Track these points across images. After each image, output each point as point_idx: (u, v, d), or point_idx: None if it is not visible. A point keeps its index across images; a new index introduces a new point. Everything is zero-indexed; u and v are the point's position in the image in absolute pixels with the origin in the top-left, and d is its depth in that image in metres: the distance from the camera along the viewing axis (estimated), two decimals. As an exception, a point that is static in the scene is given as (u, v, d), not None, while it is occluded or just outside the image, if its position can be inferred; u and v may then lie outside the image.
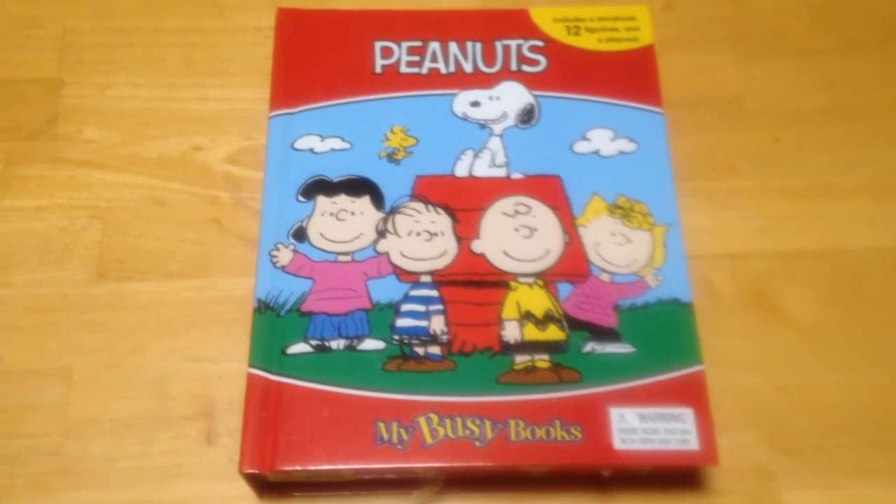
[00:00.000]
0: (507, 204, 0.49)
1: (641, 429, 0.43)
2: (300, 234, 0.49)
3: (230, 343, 0.49)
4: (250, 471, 0.43)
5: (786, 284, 0.51)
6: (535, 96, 0.53)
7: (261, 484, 0.45)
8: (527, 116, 0.52)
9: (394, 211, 0.49)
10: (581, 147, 0.51)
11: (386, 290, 0.47)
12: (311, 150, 0.51)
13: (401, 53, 0.54)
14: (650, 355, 0.45)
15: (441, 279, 0.47)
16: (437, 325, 0.46)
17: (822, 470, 0.46)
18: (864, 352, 0.49)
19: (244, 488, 0.45)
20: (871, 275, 0.51)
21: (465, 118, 0.52)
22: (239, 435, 0.45)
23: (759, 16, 0.60)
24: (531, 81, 0.53)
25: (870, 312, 0.50)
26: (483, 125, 0.52)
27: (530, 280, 0.47)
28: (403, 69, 0.53)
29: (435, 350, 0.46)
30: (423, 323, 0.46)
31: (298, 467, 0.43)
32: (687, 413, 0.44)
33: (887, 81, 0.57)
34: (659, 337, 0.46)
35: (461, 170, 0.50)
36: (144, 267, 0.52)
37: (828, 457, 0.47)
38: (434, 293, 0.47)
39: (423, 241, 0.48)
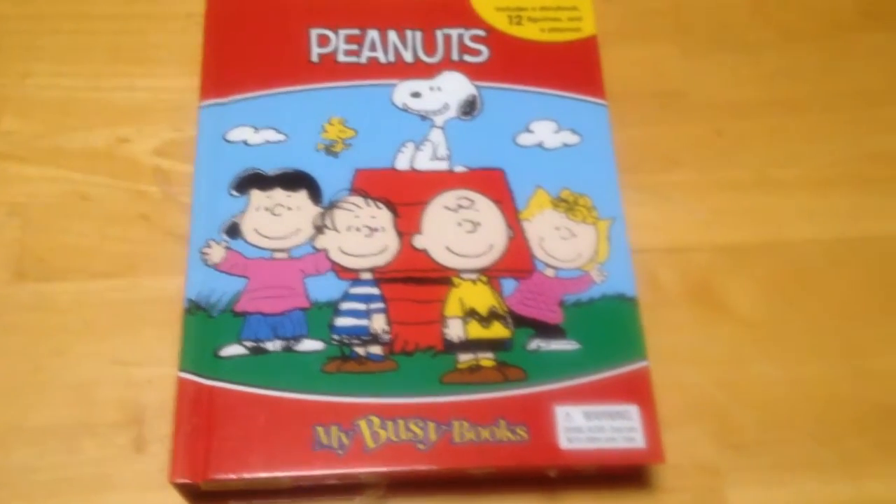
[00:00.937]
0: (449, 198, 0.48)
1: (587, 427, 0.42)
2: (233, 231, 0.47)
3: (159, 345, 0.47)
4: (181, 480, 0.41)
5: (729, 278, 0.51)
6: (478, 87, 0.51)
7: (193, 494, 0.43)
8: (469, 108, 0.51)
9: (332, 205, 0.47)
10: (524, 139, 0.50)
11: (324, 288, 0.45)
12: (245, 142, 0.49)
13: (338, 41, 0.52)
14: (595, 352, 0.44)
15: (382, 276, 0.46)
16: (379, 324, 0.45)
17: (766, 465, 0.46)
18: (807, 345, 0.49)
19: (176, 498, 0.43)
20: (814, 268, 0.51)
21: (405, 109, 0.50)
22: (170, 442, 0.42)
23: (701, 7, 0.60)
24: (473, 72, 0.52)
25: (812, 306, 0.50)
26: (424, 117, 0.50)
27: (474, 276, 0.46)
28: (341, 58, 0.51)
29: (376, 350, 0.44)
30: (363, 322, 0.45)
31: (233, 476, 0.41)
32: (632, 410, 0.43)
33: (828, 74, 0.57)
34: (604, 333, 0.45)
35: (402, 163, 0.49)
36: (67, 266, 0.49)
37: (772, 452, 0.46)
38: (375, 291, 0.45)
39: (363, 236, 0.47)
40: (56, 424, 0.45)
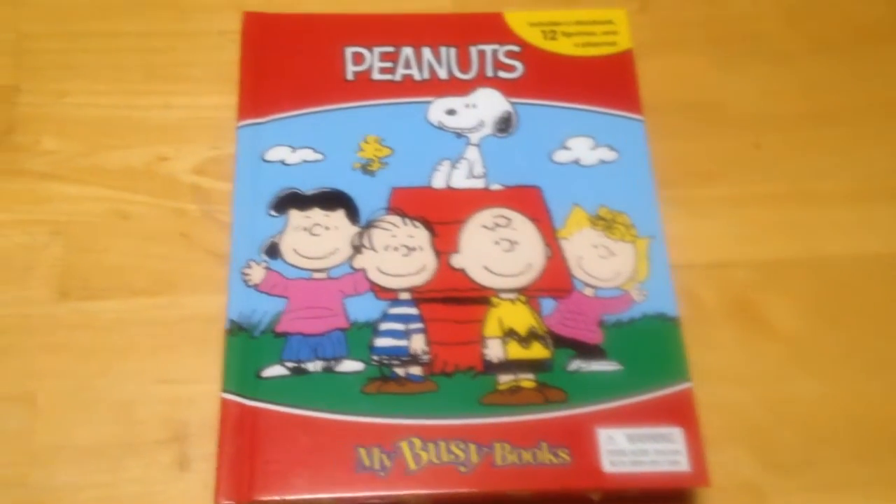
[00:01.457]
0: (486, 216, 0.48)
1: (630, 450, 0.42)
2: (273, 251, 0.47)
3: (201, 363, 0.47)
4: (227, 502, 0.41)
5: (769, 294, 0.50)
6: (513, 103, 0.51)
7: (237, 514, 0.43)
8: (504, 125, 0.51)
9: (369, 225, 0.48)
10: (561, 156, 0.50)
11: (363, 308, 0.46)
12: (282, 162, 0.49)
13: (373, 59, 0.52)
14: (637, 373, 0.44)
15: (420, 296, 0.46)
16: (418, 344, 0.45)
17: (810, 486, 0.46)
18: (848, 361, 0.49)
19: (220, 519, 0.43)
20: (853, 283, 0.51)
21: (440, 127, 0.50)
22: (213, 460, 0.43)
23: (735, 18, 0.59)
24: (508, 88, 0.52)
25: (853, 321, 0.50)
26: (459, 134, 0.50)
27: (512, 296, 0.46)
28: (376, 76, 0.52)
29: (416, 370, 0.44)
30: (402, 342, 0.45)
31: (277, 497, 0.41)
32: (676, 433, 0.43)
33: (865, 84, 0.57)
34: (645, 353, 0.45)
35: (438, 181, 0.49)
36: (109, 284, 0.49)
37: (815, 471, 0.46)
38: (413, 311, 0.46)
39: (401, 256, 0.47)
40: (100, 443, 0.46)
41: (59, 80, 0.55)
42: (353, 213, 0.48)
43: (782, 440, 0.47)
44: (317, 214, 0.48)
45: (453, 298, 0.46)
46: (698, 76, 0.57)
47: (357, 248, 0.47)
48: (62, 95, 0.54)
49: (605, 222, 0.48)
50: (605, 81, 0.52)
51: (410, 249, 0.47)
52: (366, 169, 0.49)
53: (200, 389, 0.47)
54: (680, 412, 0.43)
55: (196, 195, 0.52)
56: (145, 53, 0.56)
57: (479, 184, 0.49)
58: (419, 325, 0.45)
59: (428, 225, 0.48)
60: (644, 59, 0.54)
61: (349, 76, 0.51)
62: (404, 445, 0.42)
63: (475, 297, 0.46)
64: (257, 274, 0.46)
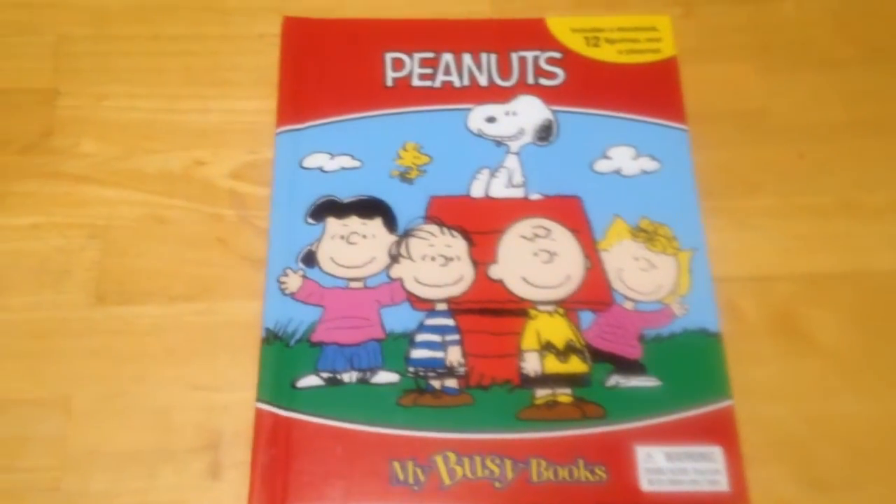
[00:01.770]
0: (525, 227, 0.47)
1: (669, 469, 0.41)
2: (309, 259, 0.47)
3: (236, 370, 0.47)
4: (260, 512, 0.41)
5: (813, 308, 0.49)
6: (553, 111, 0.51)
7: (271, 524, 0.43)
8: (545, 133, 0.50)
9: (407, 234, 0.47)
10: (602, 166, 0.49)
11: (400, 318, 0.45)
12: (321, 169, 0.49)
13: (413, 65, 0.52)
14: (677, 389, 0.43)
15: (457, 307, 0.45)
16: (454, 356, 0.44)
17: (854, 508, 0.44)
18: (893, 378, 0.48)
19: (253, 528, 0.43)
20: (900, 298, 0.50)
21: (480, 135, 0.50)
22: (246, 468, 0.43)
23: (782, 24, 0.58)
24: (549, 95, 0.51)
25: (899, 337, 0.49)
26: (499, 142, 0.50)
27: (550, 308, 0.45)
28: (416, 82, 0.51)
29: (452, 383, 0.44)
30: (439, 354, 0.44)
31: (310, 509, 0.41)
32: (716, 452, 0.42)
33: (915, 93, 0.55)
34: (686, 370, 0.44)
35: (477, 190, 0.48)
36: (145, 289, 0.49)
37: (858, 491, 0.45)
38: (450, 322, 0.45)
39: (439, 266, 0.46)
40: (135, 450, 0.46)
41: (99, 84, 0.55)
42: (390, 221, 0.47)
43: (824, 458, 0.46)
44: (354, 223, 0.47)
45: (491, 310, 0.45)
46: (742, 83, 0.56)
47: (394, 258, 0.47)
48: (101, 99, 0.55)
49: (646, 234, 0.47)
50: (649, 89, 0.51)
51: (448, 259, 0.46)
52: (404, 177, 0.48)
53: (235, 397, 0.46)
54: (720, 431, 0.42)
55: (233, 200, 0.52)
56: (185, 57, 0.56)
57: (518, 193, 0.48)
58: (456, 337, 0.45)
59: (466, 235, 0.47)
60: (687, 65, 0.54)
61: (389, 82, 0.51)
62: (439, 459, 0.42)
63: (513, 309, 0.45)
64: (294, 282, 0.46)
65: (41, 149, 0.53)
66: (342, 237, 0.47)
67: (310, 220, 0.47)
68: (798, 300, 0.50)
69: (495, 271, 0.46)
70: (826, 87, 0.56)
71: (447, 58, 0.52)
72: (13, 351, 0.48)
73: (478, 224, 0.47)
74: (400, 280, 0.46)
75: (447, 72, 0.51)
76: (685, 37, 0.55)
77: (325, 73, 0.51)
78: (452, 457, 0.42)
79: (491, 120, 0.50)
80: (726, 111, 0.55)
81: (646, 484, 0.41)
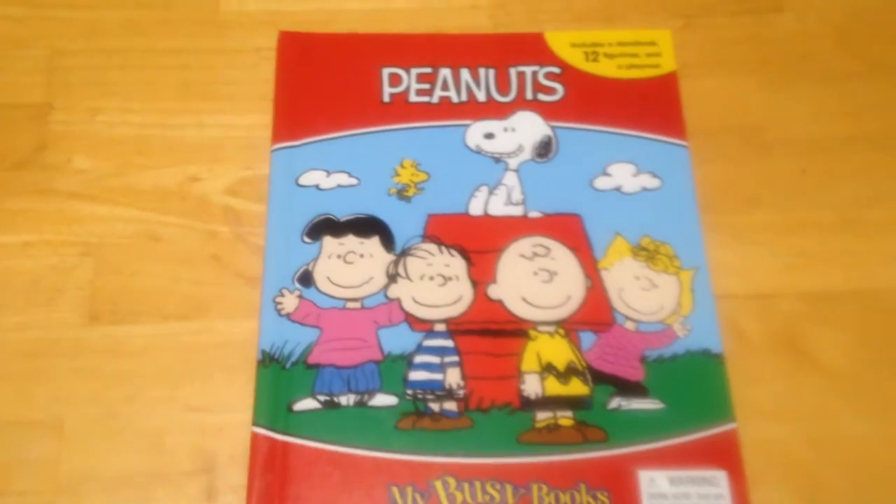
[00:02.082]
0: (524, 245, 0.47)
1: (672, 493, 0.41)
2: (306, 278, 0.46)
3: (231, 391, 0.46)
4: (256, 539, 0.40)
5: (815, 327, 0.49)
6: (553, 127, 0.50)
7: (266, 551, 0.42)
8: (544, 150, 0.49)
9: (405, 253, 0.46)
10: (602, 183, 0.48)
11: (398, 339, 0.45)
12: (317, 187, 0.48)
13: (410, 81, 0.51)
14: (680, 412, 0.43)
15: (456, 328, 0.45)
16: (453, 378, 0.44)
17: (859, 532, 0.44)
18: (899, 399, 0.47)
19: (248, 555, 0.43)
20: (904, 317, 0.49)
21: (478, 151, 0.49)
22: (242, 492, 0.42)
23: (782, 37, 0.57)
24: (548, 111, 0.50)
25: (904, 357, 0.48)
26: (498, 159, 0.49)
27: (551, 329, 0.45)
28: (413, 98, 0.50)
29: (451, 406, 0.43)
30: (437, 376, 0.44)
31: (307, 536, 0.40)
32: (720, 476, 0.41)
33: (918, 108, 0.55)
34: (689, 392, 0.43)
35: (476, 208, 0.48)
36: (139, 308, 0.49)
37: (864, 515, 0.44)
38: (449, 343, 0.44)
39: (437, 285, 0.46)
40: (129, 472, 0.45)
41: (92, 98, 0.54)
42: (388, 240, 0.47)
43: (828, 482, 0.45)
44: (351, 241, 0.47)
45: (490, 331, 0.45)
46: (743, 97, 0.55)
47: (392, 277, 0.46)
48: (95, 113, 0.54)
49: (647, 253, 0.46)
50: (649, 105, 0.50)
51: (446, 279, 0.46)
52: (401, 194, 0.48)
53: (230, 418, 0.46)
54: (724, 455, 0.42)
55: (228, 217, 0.51)
56: (180, 71, 0.55)
57: (517, 211, 0.48)
58: (455, 359, 0.44)
59: (464, 254, 0.46)
60: (687, 79, 0.53)
61: (386, 98, 0.50)
62: (438, 485, 0.41)
63: (513, 330, 0.45)
64: (290, 303, 0.45)
65: (34, 165, 0.52)
66: (339, 256, 0.46)
67: (306, 239, 0.47)
68: (799, 318, 0.49)
69: (494, 291, 0.46)
70: (828, 101, 0.55)
71: (445, 73, 0.51)
72: (4, 371, 0.47)
73: (476, 243, 0.47)
74: (398, 300, 0.45)
75: (445, 87, 0.51)
76: (685, 50, 0.54)
77: (321, 88, 0.50)
78: (452, 482, 0.41)
79: (489, 136, 0.50)
80: (726, 125, 0.54)
81: (649, 509, 0.41)
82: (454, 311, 0.45)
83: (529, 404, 0.43)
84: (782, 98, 0.55)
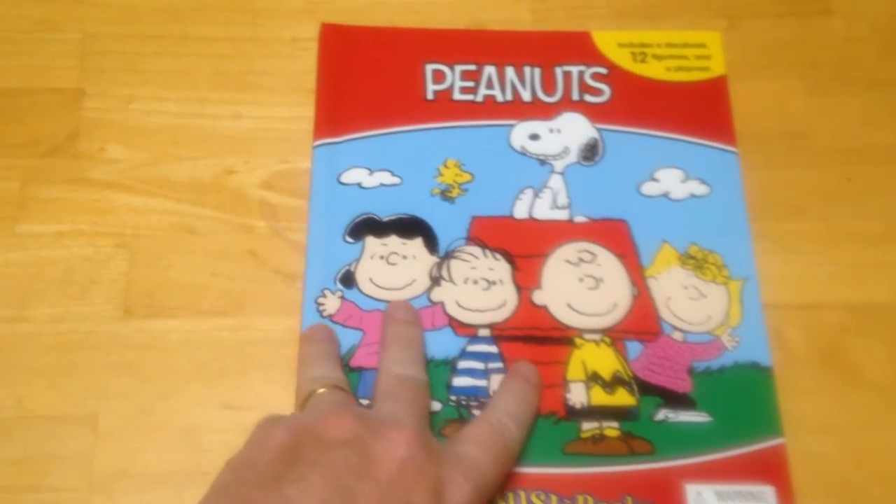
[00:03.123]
0: (570, 251, 0.46)
1: (720, 509, 0.40)
2: (348, 279, 0.45)
3: (268, 389, 0.46)
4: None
5: (860, 339, 0.48)
6: (599, 130, 0.49)
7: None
8: (590, 153, 0.48)
9: (448, 255, 0.46)
10: (649, 188, 0.48)
11: (441, 344, 0.44)
12: (359, 185, 0.47)
13: (454, 78, 0.50)
14: (728, 426, 0.42)
15: (500, 333, 0.44)
16: (497, 384, 0.43)
17: (906, 550, 0.43)
18: (944, 415, 0.46)
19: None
20: (952, 331, 0.48)
21: (523, 153, 0.48)
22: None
23: (830, 41, 0.56)
24: (594, 113, 0.49)
25: (950, 372, 0.47)
26: (543, 161, 0.48)
27: (596, 337, 0.44)
28: (457, 95, 0.49)
29: (495, 414, 0.42)
30: (481, 382, 0.43)
31: (349, 542, 0.40)
32: (768, 491, 0.41)
33: (966, 117, 0.54)
34: (737, 405, 0.43)
35: (520, 211, 0.47)
36: (175, 303, 0.48)
37: (908, 532, 0.44)
38: (493, 349, 0.44)
39: (481, 290, 0.45)
40: (164, 471, 0.44)
41: (126, 85, 0.53)
42: (431, 241, 0.46)
43: (874, 497, 0.45)
44: (394, 242, 0.46)
45: (535, 337, 0.44)
46: (789, 102, 0.54)
47: (435, 280, 0.45)
48: (129, 101, 0.53)
49: (695, 261, 0.46)
50: (698, 109, 0.49)
51: (491, 283, 0.45)
52: (445, 195, 0.47)
53: (267, 418, 0.45)
54: (772, 470, 0.41)
55: (264, 211, 0.50)
56: (216, 59, 0.54)
57: (562, 215, 0.47)
58: (499, 365, 0.43)
59: (509, 257, 0.46)
60: (732, 81, 0.52)
61: (429, 95, 0.49)
62: (483, 494, 0.40)
63: (558, 337, 0.44)
64: (332, 304, 0.44)
65: (66, 152, 0.51)
66: (381, 257, 0.46)
67: (348, 239, 0.46)
68: (844, 330, 0.48)
69: (540, 297, 0.45)
70: (873, 108, 0.54)
71: (489, 70, 0.50)
72: (38, 365, 0.46)
73: (521, 247, 0.46)
74: (441, 304, 0.45)
75: (489, 85, 0.50)
76: (729, 51, 0.53)
77: (363, 84, 0.49)
78: (497, 491, 0.41)
79: (534, 137, 0.49)
80: (771, 131, 0.53)
81: (696, 525, 0.40)
82: (498, 316, 0.44)
83: (575, 414, 0.43)
84: (829, 104, 0.54)
